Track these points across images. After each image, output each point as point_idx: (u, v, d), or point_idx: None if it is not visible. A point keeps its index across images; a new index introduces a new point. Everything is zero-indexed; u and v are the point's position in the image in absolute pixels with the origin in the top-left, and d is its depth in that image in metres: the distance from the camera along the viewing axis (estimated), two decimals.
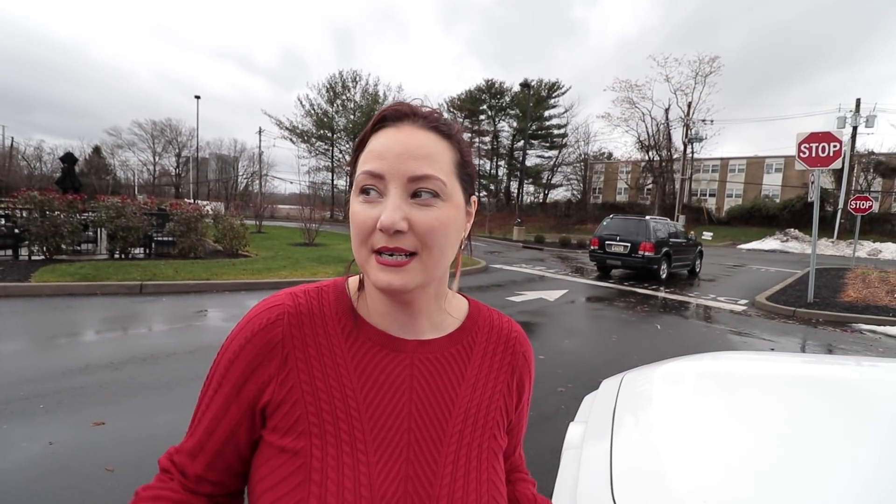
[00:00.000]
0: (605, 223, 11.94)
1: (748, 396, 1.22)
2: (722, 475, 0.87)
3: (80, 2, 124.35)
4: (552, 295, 8.32)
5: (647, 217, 11.70)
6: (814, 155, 7.92)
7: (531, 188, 50.70)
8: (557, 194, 50.58)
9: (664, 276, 11.14)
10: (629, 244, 10.90)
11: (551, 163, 48.86)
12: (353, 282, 0.63)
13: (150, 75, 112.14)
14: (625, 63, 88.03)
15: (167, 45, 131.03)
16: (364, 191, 0.53)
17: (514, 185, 49.41)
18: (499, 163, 51.59)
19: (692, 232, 13.46)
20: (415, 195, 0.52)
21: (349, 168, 0.58)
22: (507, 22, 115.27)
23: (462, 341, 0.62)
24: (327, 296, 0.60)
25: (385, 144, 0.53)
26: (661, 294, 9.33)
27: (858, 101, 30.33)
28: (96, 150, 53.78)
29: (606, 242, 11.36)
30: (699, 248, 13.36)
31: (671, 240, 11.53)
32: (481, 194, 51.29)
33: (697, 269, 13.13)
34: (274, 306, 0.57)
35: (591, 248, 11.82)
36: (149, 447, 2.49)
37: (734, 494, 0.81)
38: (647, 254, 10.65)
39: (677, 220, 36.10)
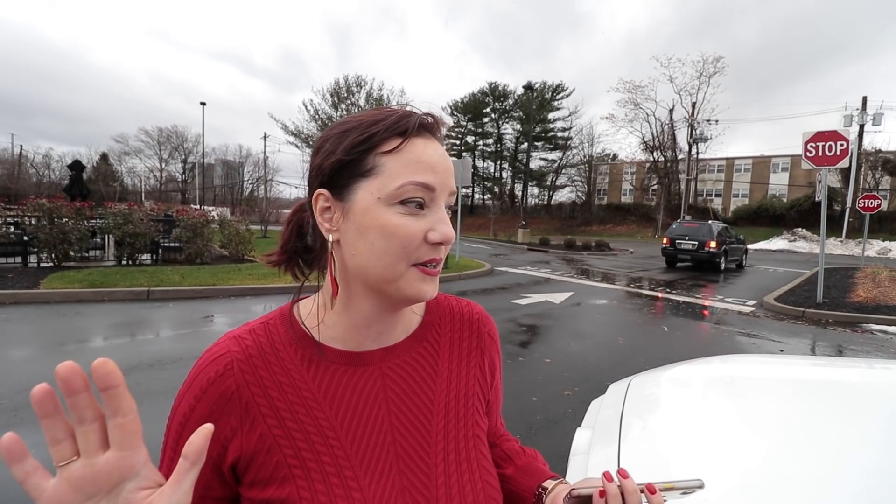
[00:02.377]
0: (674, 226, 15.16)
1: (758, 400, 1.21)
2: (731, 481, 0.86)
3: (73, 4, 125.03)
4: (558, 297, 8.29)
5: (710, 221, 15.00)
6: (820, 154, 7.85)
7: (535, 190, 50.69)
8: (562, 196, 50.56)
9: (723, 267, 13.88)
10: (697, 242, 13.73)
11: (555, 165, 48.85)
12: (303, 305, 0.59)
13: (147, 80, 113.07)
14: (633, 59, 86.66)
15: (163, 47, 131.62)
16: (407, 202, 0.50)
17: (518, 188, 49.37)
18: (503, 165, 51.64)
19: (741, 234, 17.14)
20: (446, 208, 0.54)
21: (344, 159, 0.51)
22: (511, 17, 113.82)
23: (427, 337, 0.61)
24: (276, 329, 0.56)
25: (436, 157, 0.52)
26: (669, 296, 9.27)
27: (865, 99, 30.07)
28: (103, 157, 54.36)
29: (677, 241, 14.18)
30: (745, 246, 16.24)
31: (727, 239, 14.23)
32: (486, 197, 51.44)
33: (744, 264, 15.81)
34: (220, 356, 0.53)
35: (663, 245, 14.76)
36: (156, 454, 2.48)
37: (742, 499, 0.80)
38: (711, 250, 13.43)
39: (683, 221, 35.95)
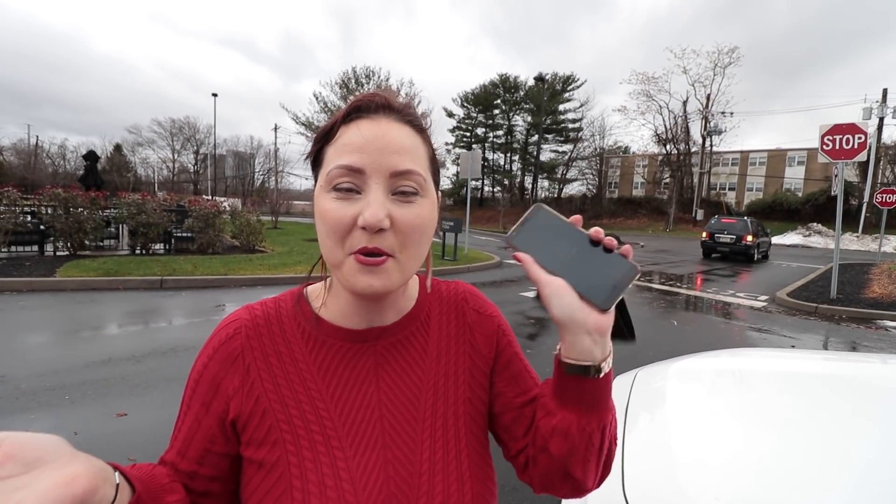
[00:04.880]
0: (712, 222, 16.92)
1: (766, 394, 1.20)
2: (736, 474, 0.86)
3: None
4: None
5: (746, 217, 17.03)
6: (837, 147, 7.69)
7: (546, 183, 50.28)
8: (572, 189, 50.11)
9: (757, 258, 16.03)
10: (735, 236, 15.62)
11: (566, 157, 48.37)
12: (312, 288, 0.63)
13: (151, 67, 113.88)
14: (653, 43, 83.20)
15: (166, 33, 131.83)
16: (338, 187, 0.49)
17: (528, 180, 49.09)
18: (513, 158, 51.29)
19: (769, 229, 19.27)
20: (395, 192, 0.50)
21: (309, 159, 0.56)
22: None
23: (419, 317, 0.62)
24: (285, 304, 0.60)
25: (364, 137, 0.49)
26: (679, 290, 9.19)
27: (885, 91, 29.31)
28: (117, 147, 55.01)
29: (716, 235, 16.10)
30: (770, 239, 18.62)
31: (759, 232, 16.26)
32: (495, 190, 51.22)
33: (769, 254, 18.11)
34: (231, 321, 0.58)
35: (703, 239, 16.70)
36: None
37: (747, 493, 0.80)
38: (748, 242, 15.34)
39: (695, 215, 35.53)
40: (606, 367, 0.52)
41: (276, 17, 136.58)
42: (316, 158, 0.55)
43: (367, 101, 0.52)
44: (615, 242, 0.51)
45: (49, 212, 8.57)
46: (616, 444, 0.57)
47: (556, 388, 0.54)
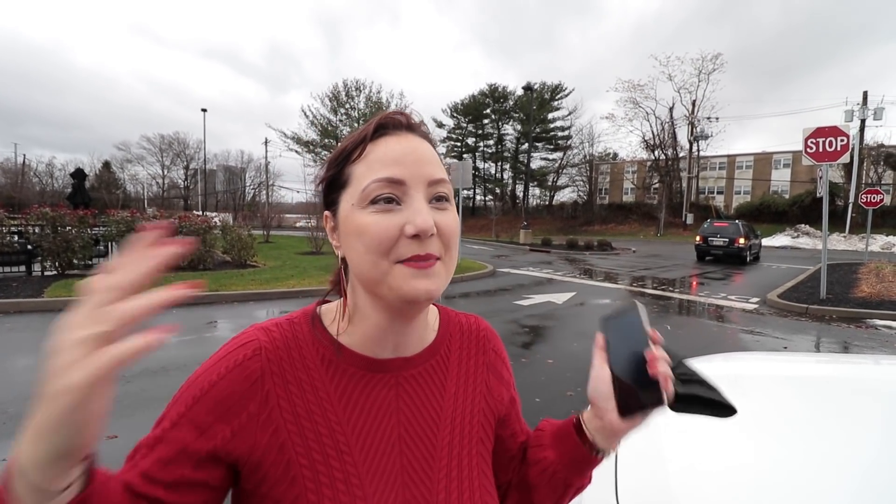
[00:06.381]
0: (705, 226, 17.38)
1: (761, 399, 1.20)
2: (729, 480, 0.86)
3: (52, 4, 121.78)
4: (560, 298, 8.27)
5: (737, 221, 17.74)
6: (821, 150, 7.83)
7: (537, 191, 50.68)
8: (563, 196, 50.53)
9: (749, 260, 16.28)
10: (727, 239, 16.03)
11: (556, 165, 48.83)
12: (326, 310, 0.59)
13: (135, 81, 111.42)
14: (643, 48, 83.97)
15: (149, 46, 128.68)
16: (377, 200, 0.49)
17: (519, 189, 49.36)
18: (503, 166, 51.62)
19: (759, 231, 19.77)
20: (431, 200, 0.52)
21: (327, 177, 0.55)
22: (512, 3, 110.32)
23: (440, 351, 0.61)
24: (301, 327, 0.56)
25: (399, 150, 0.51)
26: (672, 294, 9.25)
27: (865, 94, 29.99)
28: (106, 164, 54.59)
29: (709, 238, 16.44)
30: (760, 240, 19.07)
31: (750, 235, 16.68)
32: (487, 198, 51.44)
33: (759, 257, 18.43)
34: (249, 342, 0.53)
35: (697, 242, 17.00)
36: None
37: (741, 500, 0.80)
38: (740, 245, 15.80)
39: (685, 219, 35.91)
40: (602, 455, 0.60)
41: (260, 28, 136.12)
42: (335, 181, 0.54)
43: (391, 120, 0.54)
44: (658, 374, 0.53)
45: (36, 231, 8.47)
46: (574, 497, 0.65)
47: (560, 430, 0.62)
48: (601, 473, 0.93)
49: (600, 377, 0.56)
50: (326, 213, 0.57)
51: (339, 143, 0.56)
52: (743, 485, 0.84)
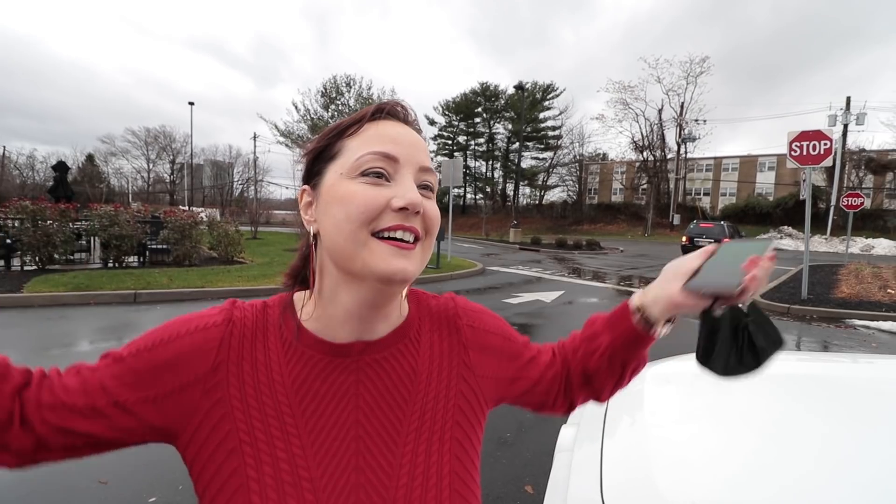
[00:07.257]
0: (691, 227, 18.07)
1: (742, 396, 1.22)
2: (712, 476, 0.87)
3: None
4: (549, 296, 8.33)
5: (722, 222, 18.46)
6: (805, 153, 7.97)
7: (527, 190, 50.90)
8: (553, 195, 50.82)
9: None
10: (713, 240, 16.17)
11: (546, 164, 49.07)
12: (300, 294, 0.59)
13: (117, 72, 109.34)
14: (635, 47, 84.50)
15: (134, 35, 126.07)
16: (367, 173, 0.50)
17: (509, 188, 49.53)
18: (494, 165, 51.77)
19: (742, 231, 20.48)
20: (419, 185, 0.53)
21: (317, 148, 0.55)
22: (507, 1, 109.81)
23: (409, 334, 0.59)
24: (273, 310, 0.57)
25: (395, 133, 0.52)
26: None
27: (848, 100, 30.61)
28: (89, 157, 53.56)
29: (695, 239, 16.57)
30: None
31: (736, 236, 17.32)
32: (477, 197, 51.52)
33: None
34: (216, 313, 0.55)
35: (683, 243, 17.15)
36: (142, 459, 2.46)
37: (726, 497, 0.81)
38: None
39: (672, 220, 36.36)
40: (654, 330, 0.65)
41: (248, 20, 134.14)
42: (324, 153, 0.54)
43: (390, 107, 0.55)
44: (751, 271, 0.56)
45: (16, 225, 8.26)
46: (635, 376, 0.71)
47: (612, 316, 0.67)
48: (587, 470, 0.94)
49: (686, 259, 0.63)
50: (305, 186, 0.56)
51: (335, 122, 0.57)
52: (727, 481, 0.85)
